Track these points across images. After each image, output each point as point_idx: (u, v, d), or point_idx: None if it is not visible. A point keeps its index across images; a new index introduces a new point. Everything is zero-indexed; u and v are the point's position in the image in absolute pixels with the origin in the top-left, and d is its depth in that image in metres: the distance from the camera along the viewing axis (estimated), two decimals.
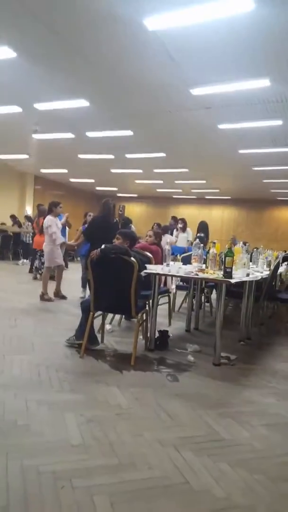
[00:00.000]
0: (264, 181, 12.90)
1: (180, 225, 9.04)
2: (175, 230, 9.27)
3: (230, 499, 1.77)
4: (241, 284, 4.40)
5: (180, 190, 17.08)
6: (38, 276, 8.47)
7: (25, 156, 12.16)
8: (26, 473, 1.83)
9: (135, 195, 19.96)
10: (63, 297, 6.45)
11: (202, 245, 4.48)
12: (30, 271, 9.12)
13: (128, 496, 1.73)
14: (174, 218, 10.72)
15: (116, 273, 3.54)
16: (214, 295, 6.62)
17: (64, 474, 1.84)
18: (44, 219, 8.28)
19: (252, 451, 2.19)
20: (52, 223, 6.34)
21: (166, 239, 7.62)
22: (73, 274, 6.87)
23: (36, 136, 9.40)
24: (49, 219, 6.37)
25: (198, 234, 7.80)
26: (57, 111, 7.40)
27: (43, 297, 6.21)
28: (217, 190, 15.97)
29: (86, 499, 1.68)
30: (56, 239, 6.36)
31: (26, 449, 2.04)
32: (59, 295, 6.47)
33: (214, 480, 1.89)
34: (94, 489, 1.74)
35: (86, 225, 6.50)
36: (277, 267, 5.31)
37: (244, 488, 1.85)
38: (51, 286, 6.49)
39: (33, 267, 8.74)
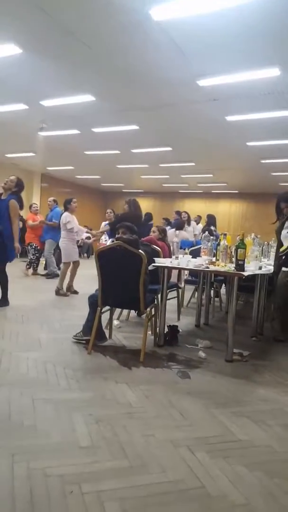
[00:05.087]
0: (273, 174, 12.68)
1: (185, 218, 8.98)
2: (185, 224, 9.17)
3: (249, 505, 1.65)
4: (252, 278, 4.26)
5: (187, 185, 16.89)
6: (28, 271, 8.39)
7: (31, 154, 12.07)
8: (32, 477, 1.73)
9: (141, 191, 19.80)
10: (75, 292, 6.48)
11: (212, 237, 4.35)
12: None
13: (140, 502, 1.62)
14: (177, 212, 10.55)
15: (124, 266, 3.43)
16: (223, 290, 6.50)
17: (72, 477, 1.73)
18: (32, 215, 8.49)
19: (271, 453, 2.06)
20: (70, 219, 6.43)
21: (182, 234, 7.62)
22: (82, 270, 6.83)
23: (42, 133, 9.30)
24: (67, 215, 6.45)
25: (207, 227, 7.69)
26: (63, 107, 7.28)
27: (59, 292, 6.24)
28: (225, 184, 15.76)
29: (96, 506, 1.57)
30: (75, 235, 6.49)
31: (33, 450, 1.94)
32: (71, 290, 6.49)
33: (232, 484, 1.77)
34: (104, 495, 1.63)
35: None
36: None
37: (264, 494, 1.72)
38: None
39: (29, 263, 8.53)
